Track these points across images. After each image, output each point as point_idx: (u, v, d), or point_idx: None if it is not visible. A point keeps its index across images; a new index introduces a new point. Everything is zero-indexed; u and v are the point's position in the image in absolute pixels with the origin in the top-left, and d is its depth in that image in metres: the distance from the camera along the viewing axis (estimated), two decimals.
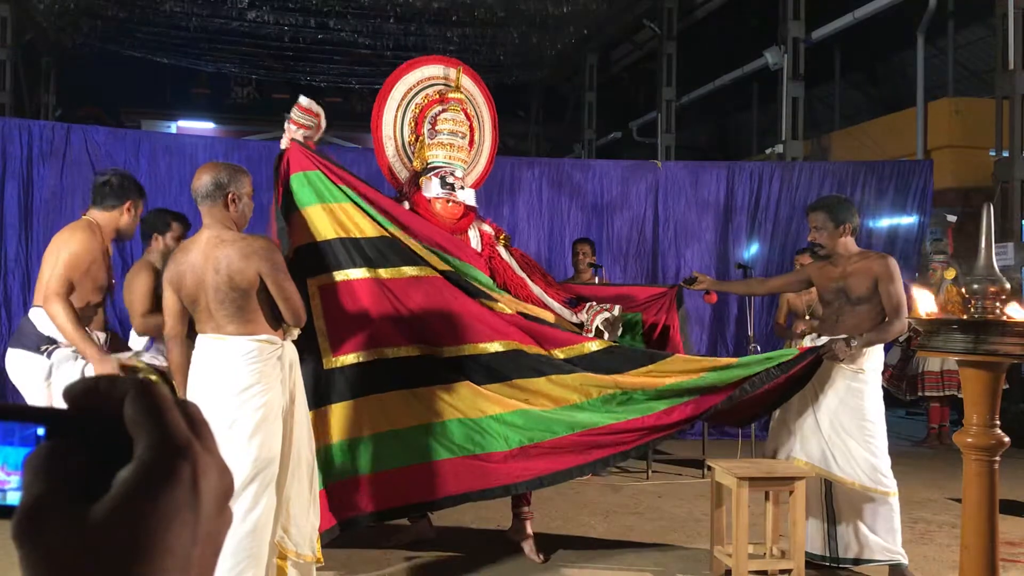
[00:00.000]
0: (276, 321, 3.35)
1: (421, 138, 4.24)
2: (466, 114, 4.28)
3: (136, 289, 4.40)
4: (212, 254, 3.23)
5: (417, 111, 4.28)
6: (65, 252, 3.70)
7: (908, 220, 8.33)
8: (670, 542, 4.63)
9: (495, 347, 3.85)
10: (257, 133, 16.19)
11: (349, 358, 3.73)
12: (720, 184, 8.24)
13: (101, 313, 3.95)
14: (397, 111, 4.31)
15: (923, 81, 10.44)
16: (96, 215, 3.88)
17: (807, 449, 4.11)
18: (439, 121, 4.20)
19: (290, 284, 3.33)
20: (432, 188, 4.11)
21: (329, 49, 12.90)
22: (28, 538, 0.43)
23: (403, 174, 4.34)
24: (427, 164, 4.17)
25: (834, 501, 4.08)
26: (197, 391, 3.27)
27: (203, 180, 3.31)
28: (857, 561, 4.04)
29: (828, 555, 4.09)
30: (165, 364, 3.94)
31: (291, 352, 3.40)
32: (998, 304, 2.43)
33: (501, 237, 4.34)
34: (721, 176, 8.27)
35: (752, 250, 8.25)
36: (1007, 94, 8.32)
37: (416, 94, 4.30)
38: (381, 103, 4.31)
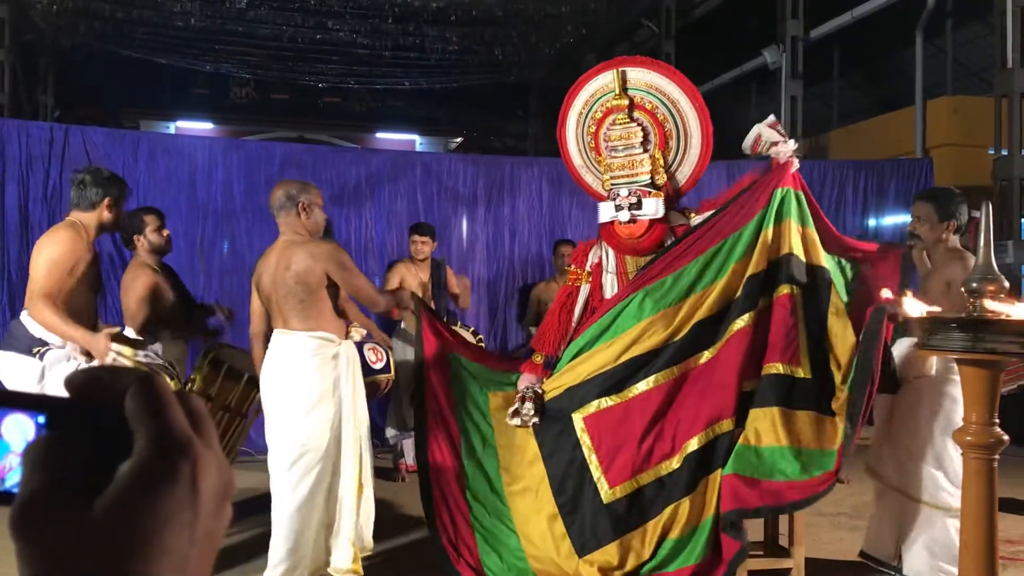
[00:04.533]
0: (338, 323, 3.75)
1: (603, 158, 3.94)
2: (648, 113, 3.87)
3: (135, 290, 4.42)
4: (284, 254, 3.67)
5: (592, 133, 3.98)
6: (46, 254, 3.68)
7: (910, 219, 8.31)
8: None
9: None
10: (256, 133, 16.18)
11: (628, 487, 3.54)
12: (721, 183, 8.19)
13: (92, 314, 3.94)
14: (577, 139, 4.05)
15: (922, 79, 10.44)
16: (78, 215, 3.85)
17: (883, 459, 4.04)
18: (610, 138, 3.89)
19: (357, 278, 3.74)
20: (605, 213, 3.88)
21: (328, 49, 12.87)
22: (26, 532, 0.43)
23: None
24: (608, 187, 3.91)
25: (903, 515, 3.98)
26: (266, 378, 3.72)
27: (277, 195, 3.73)
28: None
29: (893, 564, 4.02)
30: (158, 363, 3.96)
31: (348, 351, 3.77)
32: (997, 302, 2.43)
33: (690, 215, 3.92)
34: (722, 175, 8.25)
35: None
36: (1006, 92, 8.32)
37: (586, 115, 4.00)
38: (562, 136, 4.09)
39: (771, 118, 3.78)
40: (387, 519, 4.80)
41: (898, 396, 3.97)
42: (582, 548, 3.52)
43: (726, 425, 3.48)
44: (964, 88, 12.02)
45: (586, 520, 3.54)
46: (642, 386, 3.59)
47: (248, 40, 12.54)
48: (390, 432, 6.17)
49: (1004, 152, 8.38)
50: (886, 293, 3.33)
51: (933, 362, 3.82)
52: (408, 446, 6.21)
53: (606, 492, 3.53)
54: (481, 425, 3.82)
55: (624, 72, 3.88)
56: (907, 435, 3.92)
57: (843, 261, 3.72)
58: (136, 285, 4.46)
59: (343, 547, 3.71)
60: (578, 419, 3.61)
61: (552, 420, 3.65)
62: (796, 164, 3.73)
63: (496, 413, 3.79)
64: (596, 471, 3.56)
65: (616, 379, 3.62)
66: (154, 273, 4.54)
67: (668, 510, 3.48)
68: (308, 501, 3.58)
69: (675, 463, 3.50)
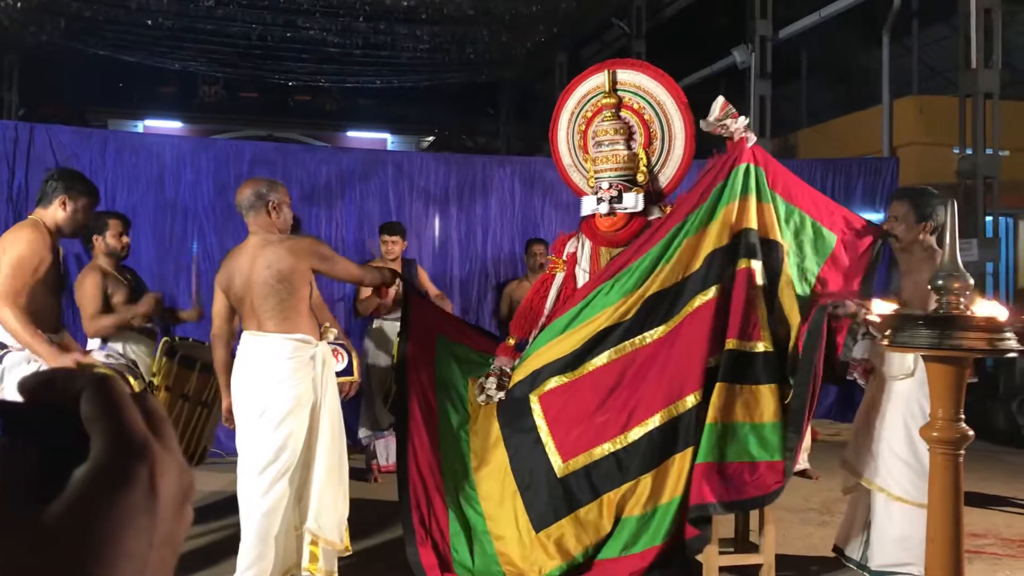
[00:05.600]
0: (313, 323, 3.66)
1: (589, 156, 4.07)
2: (635, 113, 3.99)
3: (85, 291, 4.41)
4: (260, 254, 3.56)
5: (581, 132, 4.12)
6: (9, 254, 3.60)
7: (876, 217, 8.42)
8: None
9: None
10: (225, 132, 16.05)
11: (580, 460, 3.60)
12: (692, 182, 8.26)
13: (56, 315, 3.87)
14: (567, 138, 4.18)
15: (888, 79, 10.56)
16: (40, 213, 3.79)
17: (858, 456, 4.05)
18: (597, 134, 4.00)
19: (339, 264, 3.74)
20: (587, 206, 3.99)
21: (297, 47, 12.80)
22: None
23: None
24: (593, 182, 4.02)
25: (873, 509, 4.00)
26: (237, 382, 3.60)
27: (245, 193, 3.65)
28: (881, 572, 3.95)
29: (859, 560, 4.05)
30: (121, 363, 3.92)
31: (324, 352, 3.70)
32: (962, 299, 2.46)
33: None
34: (693, 174, 8.29)
35: None
36: (970, 92, 8.44)
37: (576, 115, 4.13)
38: (554, 135, 4.20)
39: (719, 101, 3.80)
40: (361, 520, 4.78)
41: (878, 393, 4.00)
42: (539, 522, 3.58)
43: (690, 400, 3.53)
44: (930, 88, 12.17)
45: (542, 495, 3.60)
46: (595, 363, 3.67)
47: (217, 38, 12.44)
48: (363, 433, 6.15)
49: (969, 151, 8.50)
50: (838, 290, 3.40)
51: (911, 360, 3.85)
52: (381, 447, 6.19)
53: (559, 466, 3.60)
54: (459, 410, 3.91)
55: (615, 73, 4.01)
56: (885, 431, 3.96)
57: (824, 230, 3.78)
58: (86, 285, 4.46)
59: (324, 547, 3.71)
60: (534, 399, 3.70)
61: (513, 402, 3.75)
62: (752, 138, 3.82)
63: (473, 400, 3.85)
64: (549, 446, 3.64)
65: (571, 359, 3.71)
66: (104, 275, 4.51)
67: (627, 485, 3.52)
68: (278, 505, 3.54)
69: (631, 436, 3.55)
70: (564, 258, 4.08)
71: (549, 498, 3.59)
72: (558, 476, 3.59)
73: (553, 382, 3.71)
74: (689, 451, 3.50)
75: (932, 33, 12.21)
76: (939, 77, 12.43)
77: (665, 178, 4.02)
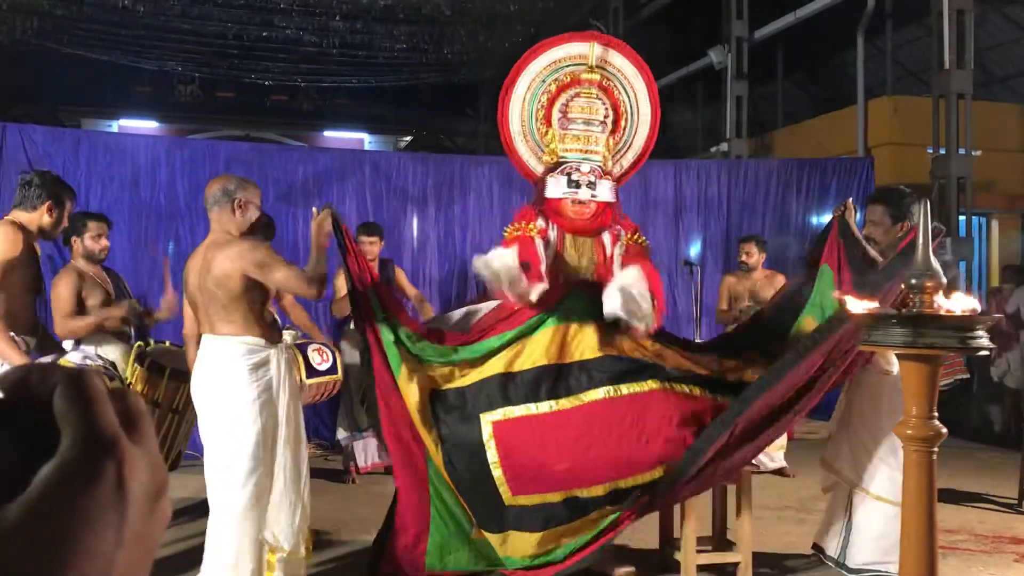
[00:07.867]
0: (266, 325, 3.54)
1: (551, 129, 3.81)
2: (610, 95, 3.81)
3: (59, 292, 4.38)
4: (207, 256, 3.47)
5: (546, 99, 3.84)
6: None
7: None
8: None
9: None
10: (201, 132, 15.94)
11: (533, 499, 3.39)
12: (668, 182, 8.31)
13: (32, 316, 3.83)
14: (524, 103, 3.88)
15: (863, 80, 10.65)
16: (19, 215, 3.75)
17: (838, 454, 4.06)
18: (571, 108, 3.77)
19: (278, 271, 3.44)
20: (557, 188, 3.74)
21: (274, 47, 12.73)
22: None
23: (539, 170, 3.91)
24: (557, 159, 3.77)
25: (852, 508, 4.02)
26: (196, 384, 3.52)
27: (213, 189, 3.57)
28: (859, 571, 3.96)
29: (837, 558, 4.05)
30: (99, 365, 3.88)
31: (282, 356, 3.59)
32: (935, 298, 2.49)
33: (628, 236, 3.89)
34: (668, 174, 8.35)
35: (698, 247, 8.34)
36: (943, 92, 8.53)
37: (545, 80, 3.84)
38: (507, 94, 3.89)
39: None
40: (338, 521, 4.77)
41: (858, 391, 4.03)
42: (484, 525, 3.47)
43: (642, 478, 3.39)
44: (903, 88, 12.28)
45: (486, 508, 3.46)
46: (562, 403, 3.44)
47: (193, 37, 12.35)
48: (341, 434, 6.12)
49: (942, 151, 8.59)
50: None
51: (894, 359, 3.86)
52: (359, 448, 6.17)
53: (508, 497, 3.42)
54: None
55: (606, 49, 3.85)
56: (865, 430, 3.98)
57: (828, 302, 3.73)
58: (60, 286, 4.43)
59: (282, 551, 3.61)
60: (486, 421, 3.45)
61: (459, 412, 3.50)
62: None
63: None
64: (499, 477, 3.41)
65: (531, 385, 3.47)
66: (81, 277, 4.48)
67: (575, 522, 3.42)
68: (243, 511, 3.42)
69: (592, 491, 3.40)
70: (536, 231, 3.81)
71: (493, 513, 3.45)
72: (505, 504, 3.43)
73: (512, 411, 3.44)
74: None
75: (906, 34, 12.33)
76: (913, 78, 12.55)
77: (619, 168, 3.88)
